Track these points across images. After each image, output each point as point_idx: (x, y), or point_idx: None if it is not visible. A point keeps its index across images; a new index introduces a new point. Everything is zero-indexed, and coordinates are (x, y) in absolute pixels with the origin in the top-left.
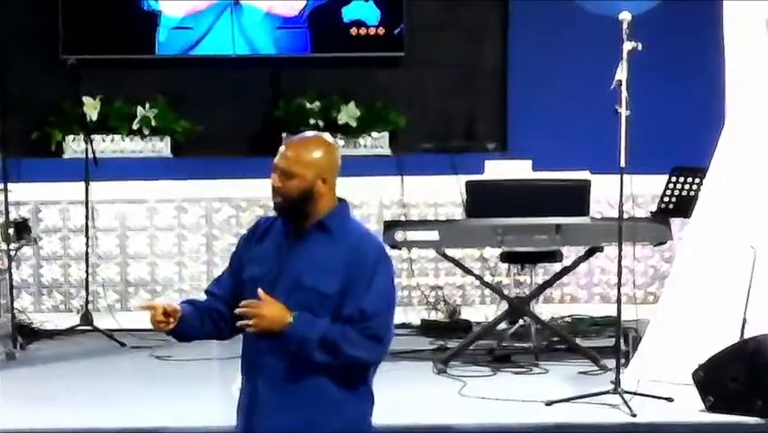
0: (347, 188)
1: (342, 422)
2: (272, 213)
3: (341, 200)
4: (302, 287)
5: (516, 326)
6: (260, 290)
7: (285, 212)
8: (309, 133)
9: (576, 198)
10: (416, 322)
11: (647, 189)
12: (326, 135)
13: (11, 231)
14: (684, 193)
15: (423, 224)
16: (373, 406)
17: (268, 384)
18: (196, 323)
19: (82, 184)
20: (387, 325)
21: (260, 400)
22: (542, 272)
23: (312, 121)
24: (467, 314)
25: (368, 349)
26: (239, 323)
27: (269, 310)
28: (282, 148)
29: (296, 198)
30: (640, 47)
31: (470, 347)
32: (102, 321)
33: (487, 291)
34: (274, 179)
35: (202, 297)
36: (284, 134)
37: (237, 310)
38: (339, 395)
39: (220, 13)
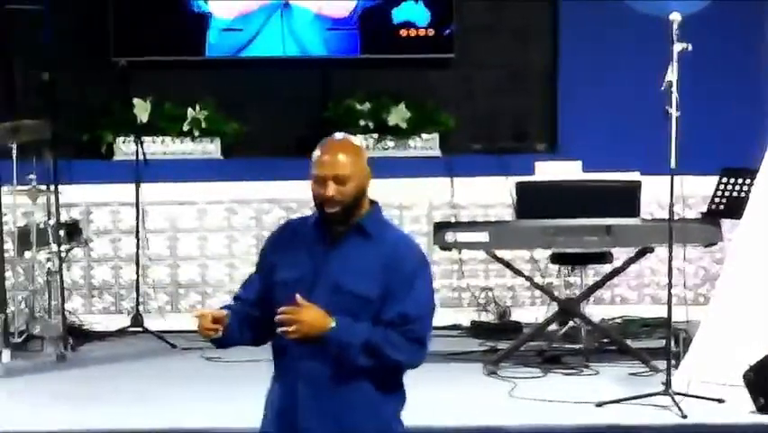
0: (397, 189)
1: (379, 423)
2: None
3: (372, 202)
4: (342, 291)
5: (567, 327)
6: (297, 296)
7: (340, 219)
8: (340, 135)
9: (626, 199)
10: (466, 323)
11: (698, 190)
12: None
13: (62, 233)
14: (735, 194)
15: (473, 225)
16: (404, 404)
17: (308, 389)
18: (236, 331)
19: (132, 186)
20: (428, 328)
21: (301, 405)
22: (592, 273)
23: (362, 122)
24: (517, 315)
25: (410, 353)
26: (279, 330)
27: (309, 316)
28: (325, 156)
29: (351, 202)
30: (690, 48)
31: (521, 349)
32: (152, 323)
33: (537, 293)
34: (328, 188)
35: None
36: None
37: (277, 317)
38: (378, 398)
39: (270, 15)
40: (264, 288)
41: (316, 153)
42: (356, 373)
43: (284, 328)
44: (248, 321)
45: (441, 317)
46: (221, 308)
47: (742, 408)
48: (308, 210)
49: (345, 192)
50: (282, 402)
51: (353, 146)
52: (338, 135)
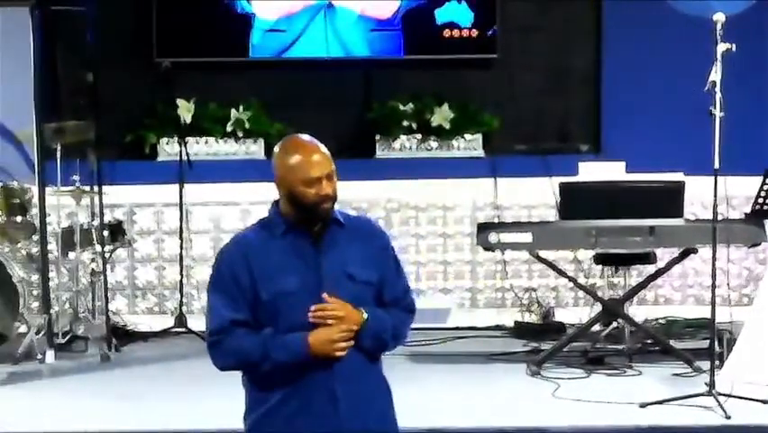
0: (441, 189)
1: (391, 401)
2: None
3: None
4: (355, 281)
5: (610, 327)
6: (324, 295)
7: (329, 215)
8: (306, 136)
9: (670, 199)
10: (510, 324)
11: (741, 191)
12: None
13: (105, 233)
14: None
15: (516, 226)
16: None
17: (346, 387)
18: None
19: (176, 186)
20: None
21: (342, 406)
22: (635, 274)
23: (405, 123)
24: (560, 316)
25: (410, 325)
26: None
27: (347, 310)
28: (313, 157)
29: (336, 198)
30: (734, 48)
31: (564, 349)
32: (196, 323)
33: (580, 293)
34: (325, 186)
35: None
36: (377, 136)
37: (317, 315)
38: (385, 379)
39: (313, 16)
40: (251, 306)
41: (296, 156)
42: (375, 361)
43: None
44: None
45: (484, 318)
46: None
47: None
48: (351, 210)
49: (335, 188)
50: (318, 407)
51: (320, 143)
52: (304, 136)
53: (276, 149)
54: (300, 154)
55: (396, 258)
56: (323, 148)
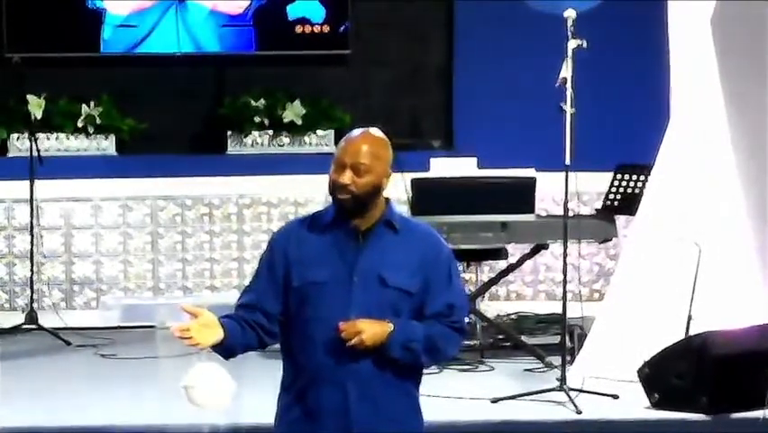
0: (293, 185)
1: (420, 423)
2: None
3: (386, 199)
4: (386, 285)
5: None
6: (340, 324)
7: (351, 209)
8: (371, 129)
9: (521, 195)
10: None
11: (592, 187)
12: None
13: None
14: (629, 190)
15: None
16: None
17: (360, 389)
18: (238, 335)
19: (27, 182)
20: (466, 316)
21: (353, 406)
22: (487, 270)
23: (257, 119)
24: None
25: (456, 343)
26: (350, 344)
27: (367, 325)
28: (349, 144)
29: (365, 195)
30: (585, 44)
31: None
32: (47, 320)
33: None
34: (343, 175)
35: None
36: (229, 132)
37: (345, 335)
38: (414, 392)
39: (165, 11)
40: (277, 292)
41: (342, 140)
42: (399, 369)
43: (351, 343)
44: (252, 325)
45: None
46: (223, 317)
47: (636, 403)
48: (203, 206)
49: (359, 183)
50: (329, 405)
51: (381, 141)
52: (373, 129)
53: None
54: (347, 139)
55: (449, 273)
56: (373, 143)
